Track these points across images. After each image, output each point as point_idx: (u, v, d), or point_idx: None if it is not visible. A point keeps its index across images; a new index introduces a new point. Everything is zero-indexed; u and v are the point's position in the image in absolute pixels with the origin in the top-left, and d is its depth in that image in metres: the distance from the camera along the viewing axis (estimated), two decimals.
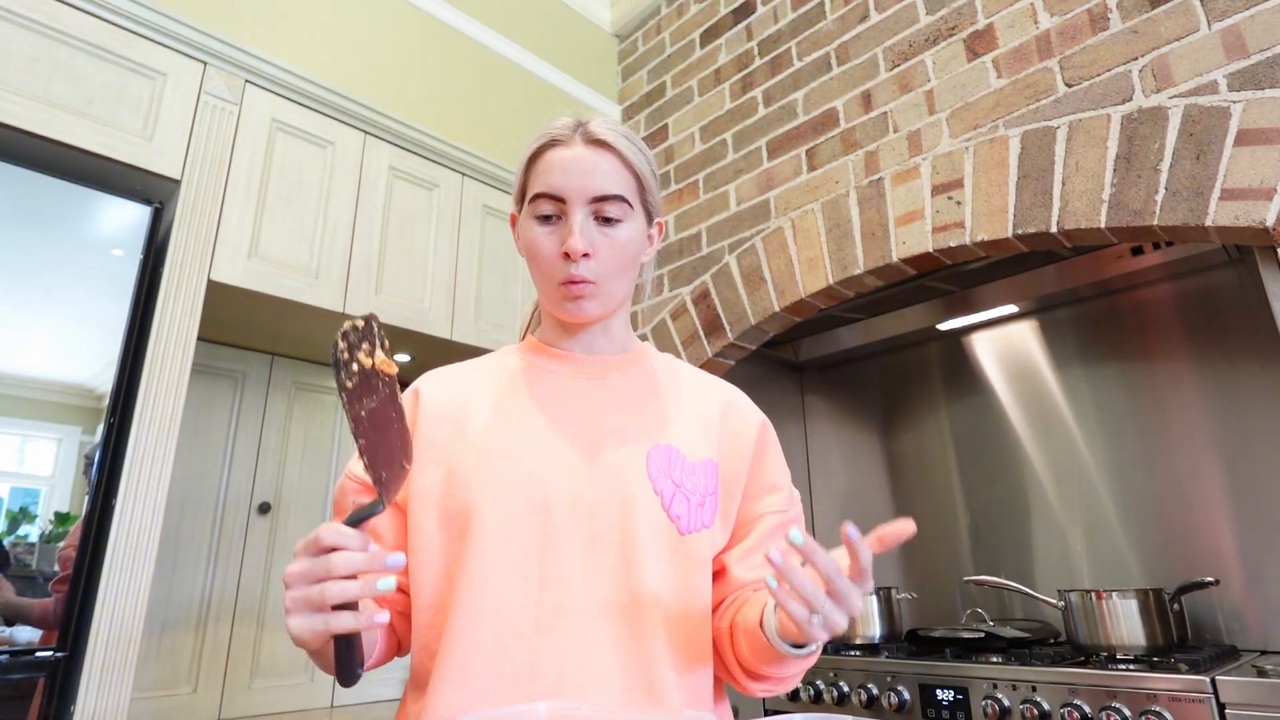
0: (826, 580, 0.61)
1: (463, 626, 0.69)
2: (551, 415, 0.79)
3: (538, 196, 0.78)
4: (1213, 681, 1.31)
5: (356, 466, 0.81)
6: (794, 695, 1.89)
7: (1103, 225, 1.51)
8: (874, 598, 2.01)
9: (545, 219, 0.78)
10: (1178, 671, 1.37)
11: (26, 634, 1.22)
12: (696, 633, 0.76)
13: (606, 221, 0.78)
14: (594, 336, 0.85)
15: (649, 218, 0.84)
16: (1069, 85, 1.63)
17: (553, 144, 0.79)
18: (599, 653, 0.70)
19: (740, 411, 0.87)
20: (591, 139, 0.79)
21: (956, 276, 2.13)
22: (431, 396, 0.82)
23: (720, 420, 0.85)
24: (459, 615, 0.70)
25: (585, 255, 0.76)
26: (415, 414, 0.80)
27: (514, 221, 0.87)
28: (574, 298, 0.78)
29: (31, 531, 1.28)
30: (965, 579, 2.02)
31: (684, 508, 0.77)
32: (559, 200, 0.77)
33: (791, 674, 0.77)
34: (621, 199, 0.78)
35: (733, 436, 0.84)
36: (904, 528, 0.61)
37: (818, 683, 1.85)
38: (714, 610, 0.81)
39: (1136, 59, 1.54)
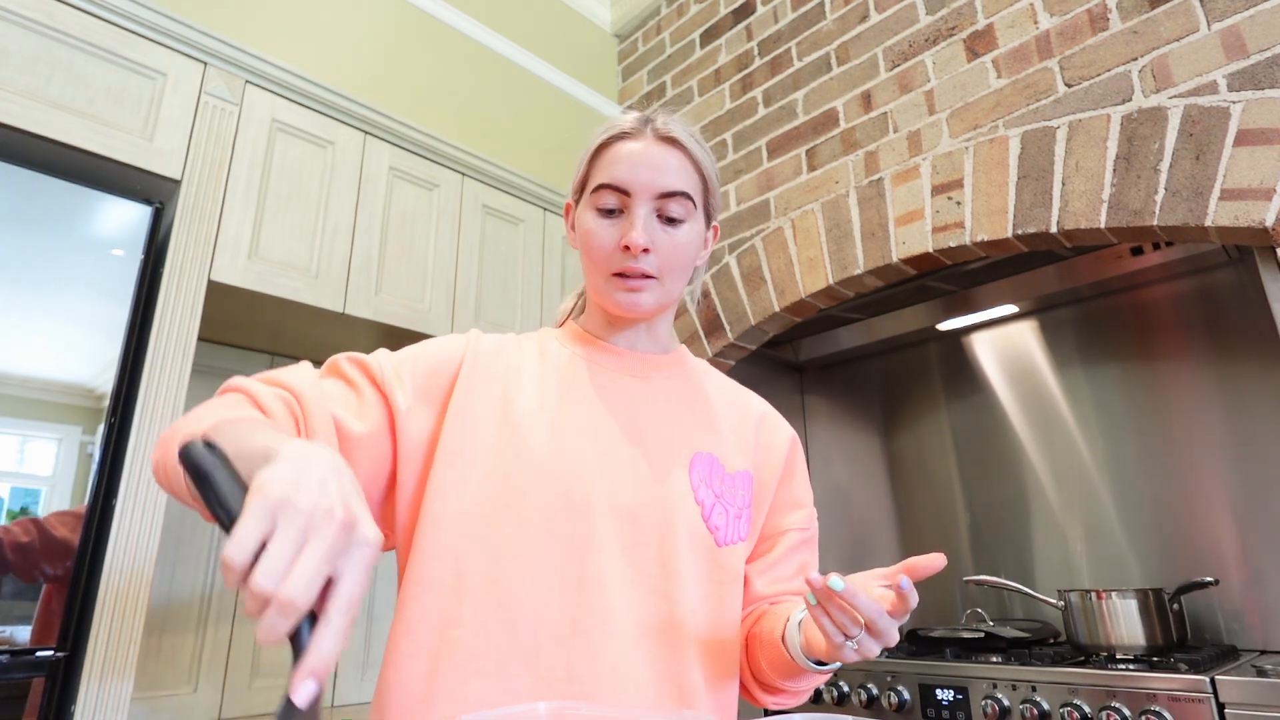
0: (869, 621, 0.60)
1: (500, 620, 0.68)
2: (597, 411, 0.77)
3: (602, 187, 0.76)
4: (1212, 681, 1.31)
5: (386, 361, 0.75)
6: None
7: (1103, 225, 1.51)
8: None
9: (607, 212, 0.76)
10: (1177, 671, 1.37)
11: (27, 633, 1.22)
12: (728, 643, 0.76)
13: (670, 221, 0.76)
14: (638, 335, 0.83)
15: (707, 220, 0.83)
16: (1069, 85, 1.63)
17: (621, 137, 0.78)
18: (634, 658, 0.69)
19: (772, 425, 0.88)
20: (661, 135, 0.77)
21: (956, 276, 2.13)
22: (481, 360, 0.78)
23: (755, 433, 0.85)
24: (495, 609, 0.68)
25: (645, 250, 0.74)
26: (462, 364, 0.77)
27: (568, 211, 0.85)
28: (630, 289, 0.76)
29: None
30: (965, 579, 2.02)
31: (723, 519, 0.77)
32: (623, 193, 0.75)
33: (806, 688, 0.77)
34: (687, 196, 0.77)
35: (765, 450, 0.85)
36: (934, 562, 0.61)
37: None
38: None
39: (1136, 59, 1.54)
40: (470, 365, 0.77)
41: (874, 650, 0.62)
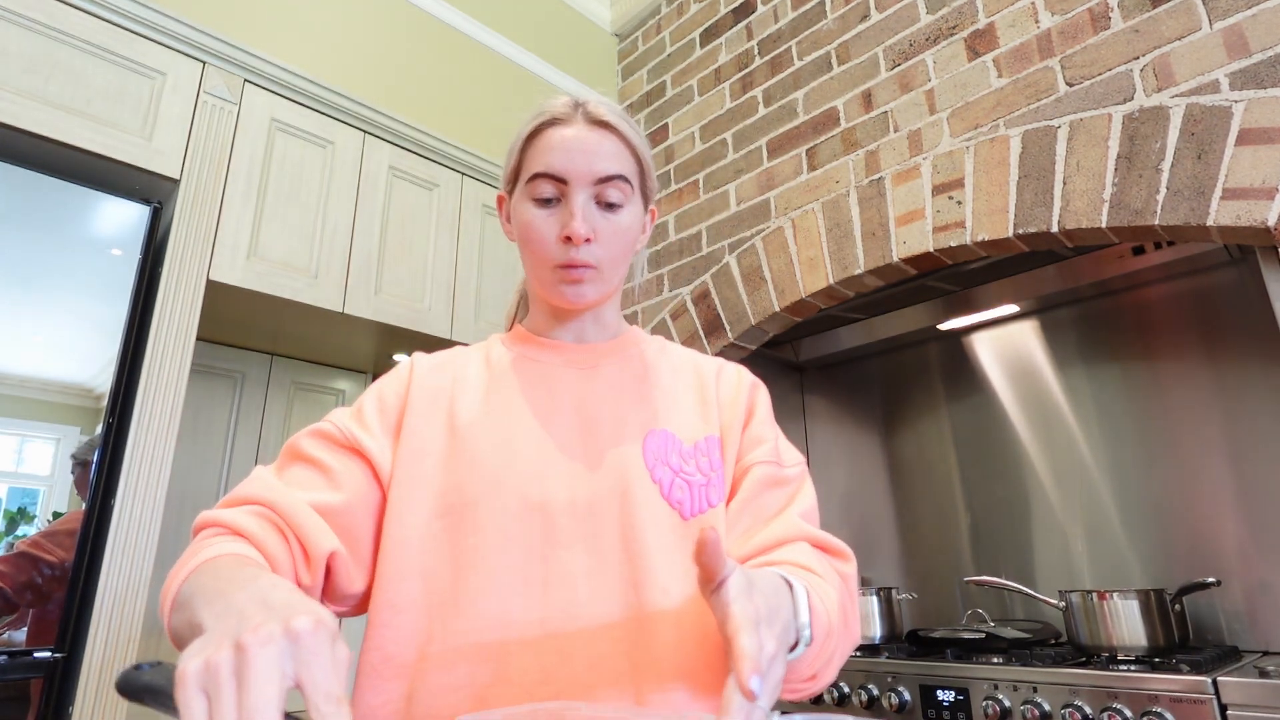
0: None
1: (464, 631, 0.67)
2: (544, 408, 0.77)
3: (537, 176, 0.74)
4: (1214, 682, 1.30)
5: (343, 419, 0.74)
6: None
7: (1104, 225, 1.51)
8: (874, 598, 2.01)
9: (544, 201, 0.75)
10: (1179, 672, 1.36)
11: (21, 634, 1.22)
12: (700, 619, 0.72)
13: (609, 206, 0.75)
14: (585, 324, 0.82)
15: (644, 202, 0.82)
16: (1070, 84, 1.62)
17: (553, 122, 0.76)
18: (606, 651, 0.68)
19: (729, 378, 0.84)
20: (594, 119, 0.76)
21: (957, 276, 2.13)
22: (426, 378, 0.78)
23: (715, 392, 0.82)
24: (461, 620, 0.67)
25: (587, 240, 0.73)
26: (409, 389, 0.77)
27: (500, 204, 0.83)
28: (573, 281, 0.75)
29: (30, 531, 1.28)
30: (965, 579, 2.02)
31: (685, 493, 0.74)
32: (560, 181, 0.74)
33: (803, 672, 0.70)
34: (625, 180, 0.76)
35: (727, 405, 0.82)
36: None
37: None
38: None
39: (1138, 58, 1.53)
40: (415, 390, 0.77)
41: (777, 671, 0.52)
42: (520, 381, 0.79)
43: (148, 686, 0.46)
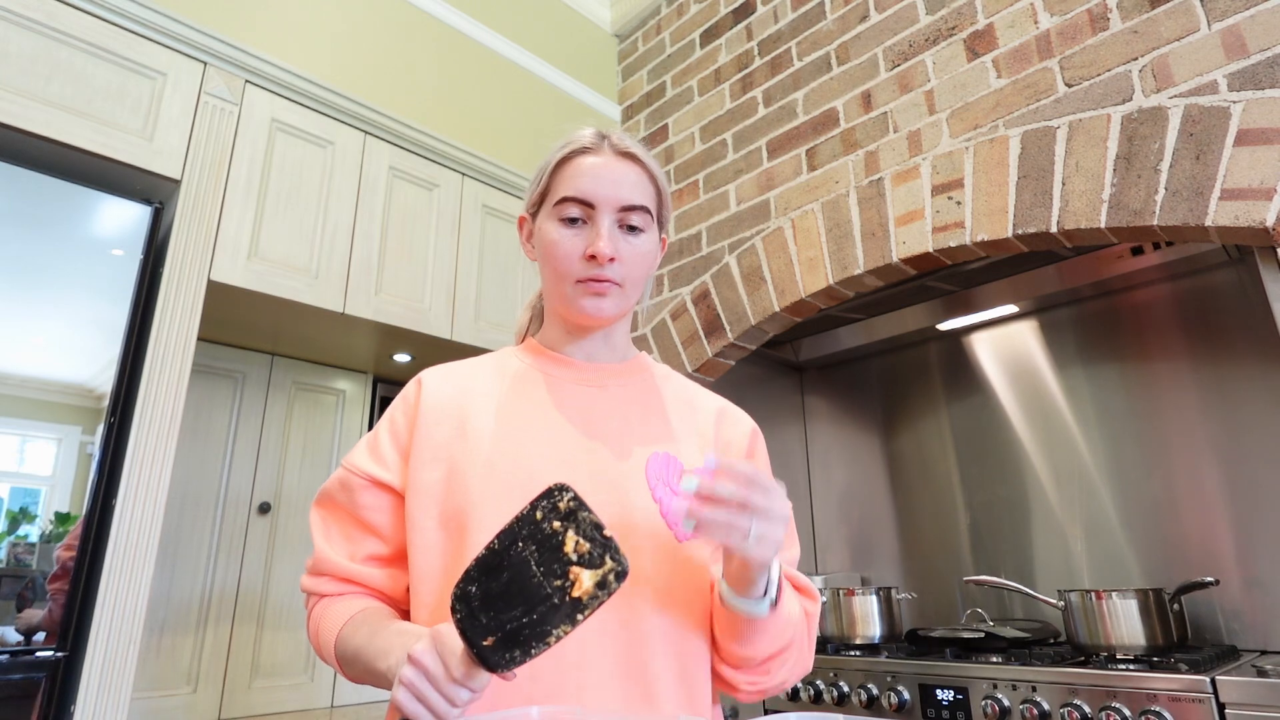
0: (741, 502, 0.63)
1: None
2: (553, 420, 0.80)
3: (566, 200, 0.80)
4: (1213, 681, 1.31)
5: (361, 458, 0.81)
6: (794, 695, 1.89)
7: (1103, 225, 1.51)
8: (874, 597, 2.01)
9: (570, 221, 0.80)
10: (1178, 671, 1.37)
11: (15, 634, 1.22)
12: (693, 636, 0.76)
13: (631, 230, 0.81)
14: (596, 344, 0.86)
15: (660, 230, 0.88)
16: (1069, 85, 1.63)
17: (582, 151, 0.82)
18: (597, 655, 0.71)
19: (731, 419, 0.90)
20: (619, 150, 0.82)
21: (956, 276, 2.13)
22: (434, 392, 0.83)
23: (715, 429, 0.87)
24: None
25: (611, 259, 0.78)
26: (418, 407, 0.82)
27: (521, 224, 0.88)
28: (595, 295, 0.79)
29: (31, 531, 1.28)
30: (965, 579, 2.02)
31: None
32: (587, 205, 0.79)
33: (762, 650, 0.75)
34: (646, 210, 0.82)
35: (726, 445, 0.87)
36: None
37: (818, 683, 1.85)
38: None
39: (1136, 59, 1.54)
40: (423, 407, 0.81)
41: (771, 531, 0.64)
42: (531, 392, 0.83)
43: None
